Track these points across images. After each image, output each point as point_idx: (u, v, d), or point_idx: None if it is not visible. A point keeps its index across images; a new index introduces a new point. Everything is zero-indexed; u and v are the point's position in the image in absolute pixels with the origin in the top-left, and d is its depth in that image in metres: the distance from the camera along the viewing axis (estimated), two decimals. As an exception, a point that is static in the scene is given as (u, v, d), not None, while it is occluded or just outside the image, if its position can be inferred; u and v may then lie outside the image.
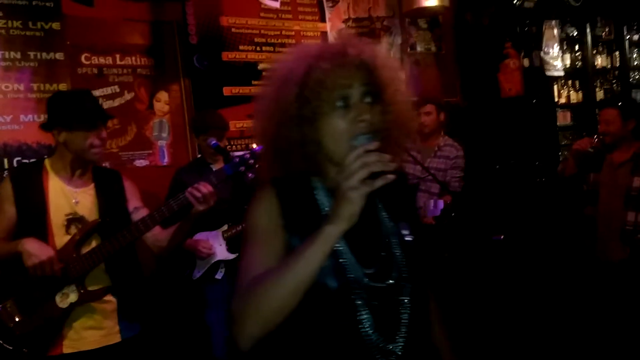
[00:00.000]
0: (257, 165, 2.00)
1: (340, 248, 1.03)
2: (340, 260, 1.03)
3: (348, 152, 0.97)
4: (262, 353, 1.03)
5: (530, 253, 3.21)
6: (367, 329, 1.01)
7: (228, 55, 3.70)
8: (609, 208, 3.07)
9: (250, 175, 2.19)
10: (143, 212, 2.06)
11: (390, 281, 1.05)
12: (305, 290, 0.93)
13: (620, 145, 3.12)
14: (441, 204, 3.09)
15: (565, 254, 3.45)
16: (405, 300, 1.05)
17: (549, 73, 4.66)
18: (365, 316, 1.02)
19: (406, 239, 1.10)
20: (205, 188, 1.93)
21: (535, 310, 3.04)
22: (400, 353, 1.02)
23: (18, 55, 2.97)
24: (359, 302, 1.02)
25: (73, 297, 1.93)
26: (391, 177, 0.91)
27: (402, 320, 1.04)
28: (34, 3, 3.02)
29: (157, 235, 2.10)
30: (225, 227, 2.87)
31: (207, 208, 1.94)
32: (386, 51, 1.02)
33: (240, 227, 2.83)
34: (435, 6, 4.00)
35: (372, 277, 1.04)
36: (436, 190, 3.49)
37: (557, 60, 4.73)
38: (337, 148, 1.03)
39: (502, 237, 2.87)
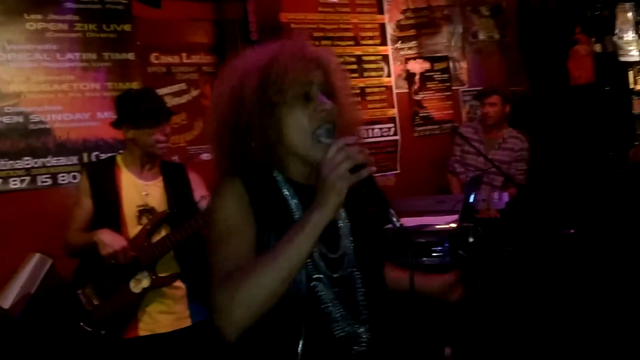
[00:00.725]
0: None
1: None
2: None
3: (309, 143, 1.05)
4: (238, 346, 1.02)
5: (603, 248, 3.04)
6: (336, 315, 1.06)
7: (288, 51, 3.76)
8: None
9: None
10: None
11: (342, 273, 1.09)
12: (295, 276, 0.97)
13: None
14: (506, 196, 3.00)
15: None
16: (359, 287, 1.11)
17: (623, 59, 4.39)
18: (330, 304, 1.06)
19: (396, 225, 1.09)
20: None
21: (607, 310, 2.89)
22: (366, 337, 1.08)
23: (94, 56, 3.16)
24: (323, 292, 1.06)
25: (145, 282, 2.05)
26: (373, 169, 0.96)
27: (361, 305, 1.09)
28: (107, 6, 3.21)
29: None
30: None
31: None
32: (332, 53, 1.09)
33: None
34: (499, -8, 3.87)
35: (330, 267, 1.08)
36: (499, 183, 3.39)
37: (632, 45, 4.44)
38: (299, 138, 1.06)
39: (572, 231, 2.75)
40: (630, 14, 4.48)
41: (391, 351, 1.16)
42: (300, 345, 1.03)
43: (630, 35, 4.44)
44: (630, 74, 4.52)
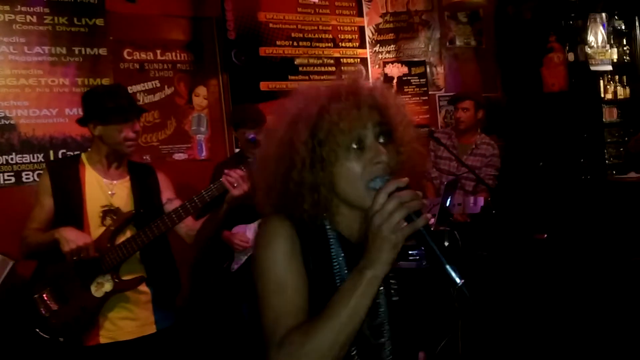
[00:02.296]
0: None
1: None
2: None
3: (364, 196, 0.96)
4: None
5: (574, 253, 3.09)
6: None
7: (265, 51, 3.72)
8: None
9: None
10: (176, 203, 2.09)
11: (382, 339, 1.03)
12: (352, 340, 0.91)
13: None
14: (481, 201, 3.01)
15: (611, 254, 3.31)
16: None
17: (594, 68, 4.47)
18: None
19: (393, 298, 1.08)
20: (237, 172, 1.94)
21: (580, 313, 2.93)
22: None
23: (64, 51, 3.06)
24: (355, 351, 0.99)
25: (108, 286, 1.96)
26: (430, 216, 0.89)
27: None
28: (78, 0, 3.11)
29: (190, 226, 2.12)
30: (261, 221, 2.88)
31: (242, 193, 1.94)
32: (392, 89, 1.01)
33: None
34: (476, 0, 3.90)
35: (369, 328, 1.01)
36: (470, 188, 3.42)
37: (603, 54, 4.54)
38: (353, 191, 0.99)
39: (545, 236, 2.78)
40: (601, 25, 4.58)
41: None
42: None
43: (601, 45, 4.53)
44: (601, 82, 4.62)
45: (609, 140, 4.64)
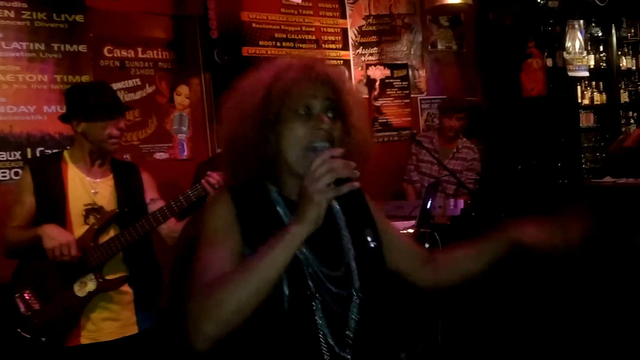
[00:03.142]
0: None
1: (303, 251, 1.04)
2: (304, 263, 1.04)
3: (302, 156, 1.04)
4: (216, 356, 1.00)
5: (551, 256, 3.14)
6: (324, 336, 1.03)
7: (248, 51, 3.70)
8: None
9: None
10: (160, 203, 2.08)
11: (343, 292, 1.07)
12: (268, 291, 0.93)
13: None
14: (461, 203, 3.05)
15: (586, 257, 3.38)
16: (354, 312, 1.07)
17: (572, 73, 4.57)
18: (321, 322, 1.03)
19: (370, 245, 1.14)
20: (218, 175, 1.94)
21: (557, 314, 2.99)
22: None
23: (42, 47, 3.00)
24: (316, 308, 1.03)
25: (91, 285, 1.94)
26: (357, 184, 0.93)
27: (350, 331, 1.06)
28: (58, -5, 3.06)
29: (172, 227, 2.11)
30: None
31: None
32: (350, 79, 1.10)
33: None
34: (458, 4, 3.95)
35: (334, 282, 1.06)
36: (451, 192, 3.47)
37: (581, 60, 4.64)
38: (294, 152, 1.06)
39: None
40: (579, 31, 4.68)
41: None
42: None
43: (578, 51, 4.64)
44: (579, 88, 4.72)
45: (585, 145, 4.74)
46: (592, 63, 4.80)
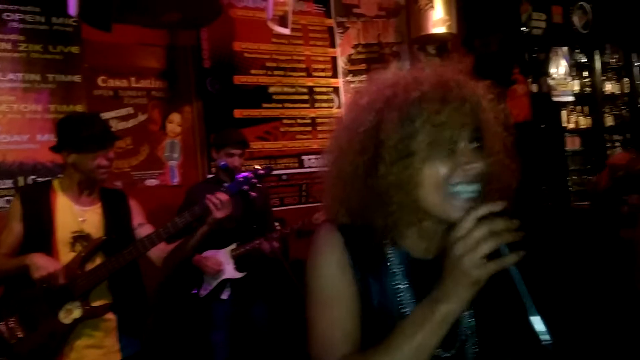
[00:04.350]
0: (259, 185, 2.05)
1: None
2: None
3: (445, 203, 0.83)
4: None
5: (535, 277, 3.18)
6: None
7: (240, 79, 3.80)
8: None
9: (253, 194, 2.26)
10: (147, 229, 2.12)
11: None
12: None
13: None
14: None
15: (572, 278, 3.41)
16: None
17: (557, 99, 4.68)
18: None
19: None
20: (223, 196, 2.00)
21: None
22: None
23: (37, 78, 3.09)
24: None
25: (77, 313, 1.96)
26: (523, 252, 0.74)
27: None
28: (54, 28, 3.15)
29: (162, 249, 2.14)
30: (233, 246, 2.91)
31: (225, 215, 2.00)
32: (490, 90, 0.85)
33: (249, 246, 2.87)
34: (442, 34, 4.08)
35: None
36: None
37: (565, 86, 4.75)
38: (434, 196, 0.84)
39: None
40: (563, 58, 4.81)
41: None
42: None
43: (563, 77, 4.76)
44: (564, 113, 4.82)
45: (572, 168, 4.82)
46: (576, 88, 4.91)
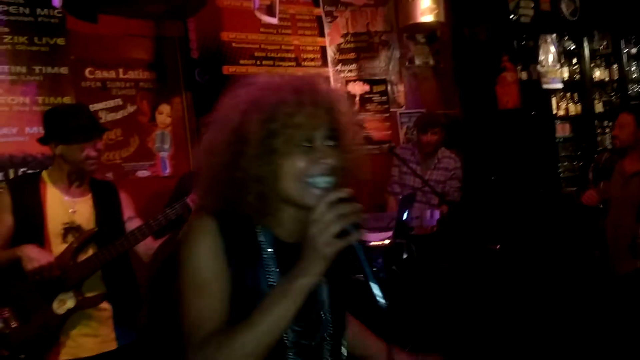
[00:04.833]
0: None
1: None
2: None
3: (303, 192, 0.96)
4: None
5: (527, 263, 3.22)
6: None
7: (229, 69, 3.78)
8: (618, 219, 3.02)
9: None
10: (136, 222, 2.13)
11: (314, 342, 1.03)
12: (274, 344, 0.92)
13: (632, 154, 3.08)
14: (437, 214, 3.12)
15: (566, 263, 3.46)
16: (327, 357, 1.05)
17: (546, 86, 4.71)
18: None
19: (345, 294, 1.11)
20: None
21: (529, 320, 3.05)
22: None
23: (24, 70, 3.05)
24: (291, 350, 1.00)
25: (70, 303, 1.97)
26: (365, 232, 0.88)
27: None
28: (39, 19, 3.12)
29: (149, 245, 2.16)
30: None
31: None
32: (343, 96, 1.16)
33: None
34: (431, 22, 4.08)
35: (300, 335, 1.01)
36: (436, 202, 3.53)
37: (554, 73, 4.78)
38: (294, 186, 0.97)
39: (498, 247, 2.90)
40: (552, 45, 4.83)
41: None
42: None
43: (552, 64, 4.78)
44: (554, 100, 4.85)
45: (563, 154, 4.86)
46: (565, 75, 4.94)
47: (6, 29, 3.02)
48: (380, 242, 2.64)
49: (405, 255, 2.67)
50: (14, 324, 1.94)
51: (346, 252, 0.91)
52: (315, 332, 1.04)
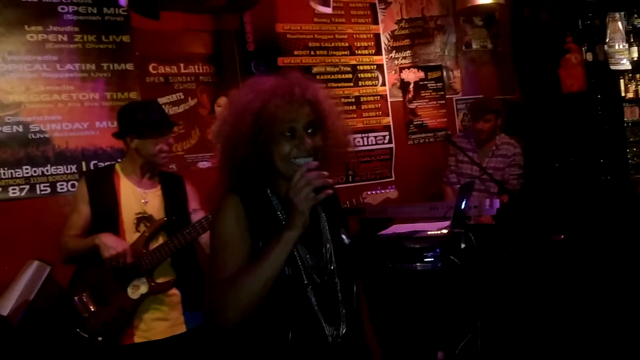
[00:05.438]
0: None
1: (297, 247, 1.28)
2: (295, 253, 1.29)
3: (291, 169, 1.26)
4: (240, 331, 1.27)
5: (592, 254, 3.10)
6: (315, 308, 1.29)
7: (284, 61, 3.83)
8: None
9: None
10: (200, 214, 2.23)
11: (326, 277, 1.32)
12: (273, 281, 1.19)
13: None
14: (497, 203, 3.04)
15: (630, 256, 3.30)
16: (340, 296, 1.33)
17: (614, 67, 4.45)
18: (313, 297, 1.29)
19: (345, 242, 1.40)
20: None
21: (595, 315, 2.94)
22: (340, 339, 1.30)
23: (93, 67, 3.22)
24: (309, 286, 1.29)
25: (143, 288, 2.09)
26: (330, 192, 1.17)
27: (339, 310, 1.32)
28: (106, 18, 3.27)
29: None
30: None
31: None
32: (324, 88, 1.41)
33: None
34: (490, 4, 3.94)
35: (315, 270, 1.31)
36: (495, 190, 3.44)
37: (623, 53, 4.50)
38: (284, 165, 1.29)
39: (562, 237, 2.79)
40: (620, 23, 4.54)
41: (362, 349, 1.40)
42: (289, 342, 1.27)
43: (620, 44, 4.50)
44: (622, 82, 4.58)
45: (631, 139, 4.60)
46: (635, 55, 4.64)
47: (76, 29, 3.19)
48: (437, 232, 2.61)
49: (463, 246, 2.63)
50: (92, 308, 2.08)
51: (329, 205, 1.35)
52: (325, 268, 1.33)
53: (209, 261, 1.29)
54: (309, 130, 1.30)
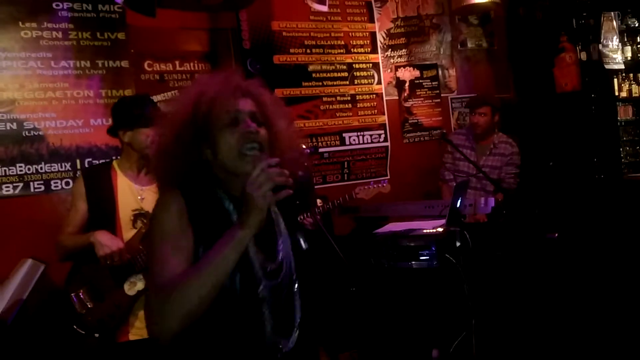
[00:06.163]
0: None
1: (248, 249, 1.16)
2: (250, 257, 1.18)
3: (237, 159, 1.18)
4: (177, 347, 1.15)
5: (586, 253, 3.12)
6: (266, 325, 1.18)
7: (279, 58, 3.82)
8: None
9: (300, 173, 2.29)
10: None
11: (278, 280, 1.22)
12: (221, 286, 1.07)
13: None
14: (492, 201, 3.05)
15: (624, 254, 3.32)
16: (297, 299, 1.25)
17: (608, 66, 4.47)
18: (265, 307, 1.18)
19: (303, 246, 1.32)
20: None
21: (590, 313, 2.96)
22: (289, 348, 1.21)
23: (87, 64, 3.20)
24: (261, 296, 1.18)
25: (140, 285, 2.09)
26: (290, 191, 1.08)
27: (295, 313, 1.24)
28: (101, 15, 3.25)
29: None
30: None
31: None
32: (271, 93, 1.35)
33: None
34: (485, 2, 3.96)
35: (268, 275, 1.20)
36: (491, 188, 3.46)
37: (617, 52, 4.53)
38: (229, 159, 1.20)
39: (556, 235, 2.81)
40: (614, 23, 4.57)
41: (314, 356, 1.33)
42: (232, 348, 1.16)
43: (614, 43, 4.53)
44: (615, 81, 4.61)
45: (624, 138, 4.63)
46: (628, 55, 4.68)
47: (71, 25, 3.17)
48: (433, 230, 2.62)
49: (458, 244, 2.64)
50: (89, 305, 2.07)
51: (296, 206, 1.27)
52: (278, 272, 1.22)
53: (148, 260, 1.22)
54: (255, 123, 1.22)
